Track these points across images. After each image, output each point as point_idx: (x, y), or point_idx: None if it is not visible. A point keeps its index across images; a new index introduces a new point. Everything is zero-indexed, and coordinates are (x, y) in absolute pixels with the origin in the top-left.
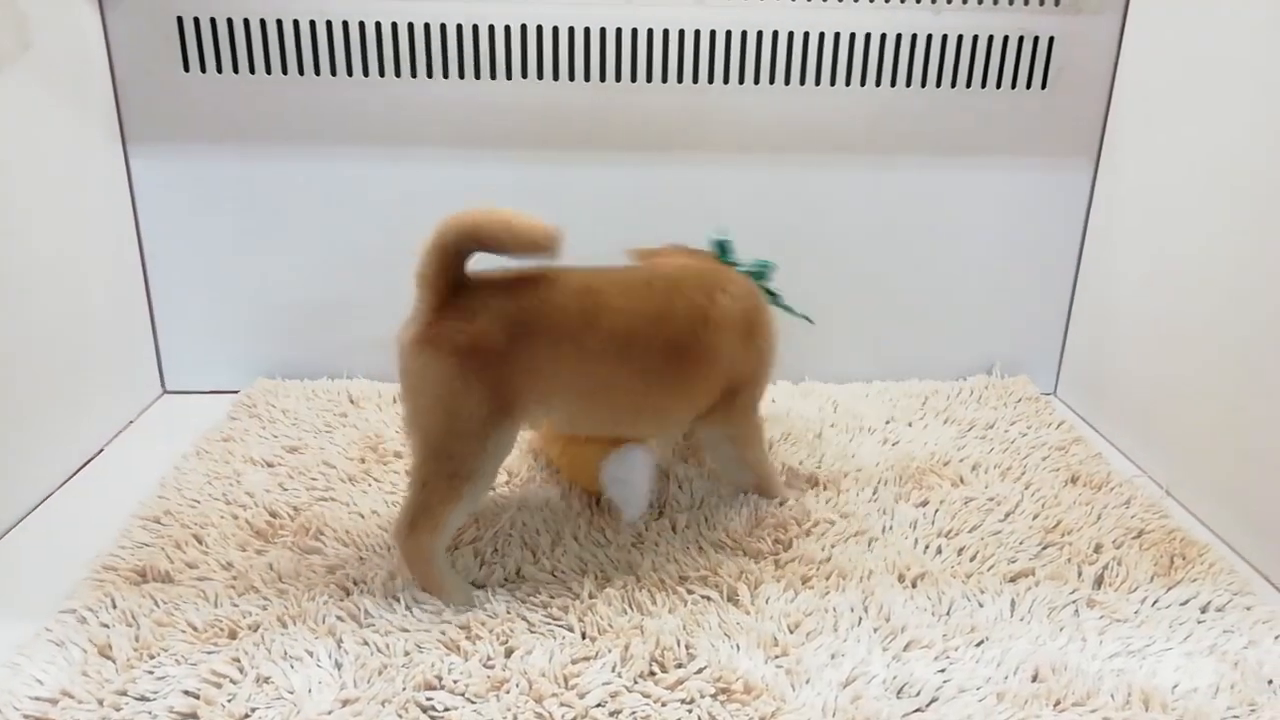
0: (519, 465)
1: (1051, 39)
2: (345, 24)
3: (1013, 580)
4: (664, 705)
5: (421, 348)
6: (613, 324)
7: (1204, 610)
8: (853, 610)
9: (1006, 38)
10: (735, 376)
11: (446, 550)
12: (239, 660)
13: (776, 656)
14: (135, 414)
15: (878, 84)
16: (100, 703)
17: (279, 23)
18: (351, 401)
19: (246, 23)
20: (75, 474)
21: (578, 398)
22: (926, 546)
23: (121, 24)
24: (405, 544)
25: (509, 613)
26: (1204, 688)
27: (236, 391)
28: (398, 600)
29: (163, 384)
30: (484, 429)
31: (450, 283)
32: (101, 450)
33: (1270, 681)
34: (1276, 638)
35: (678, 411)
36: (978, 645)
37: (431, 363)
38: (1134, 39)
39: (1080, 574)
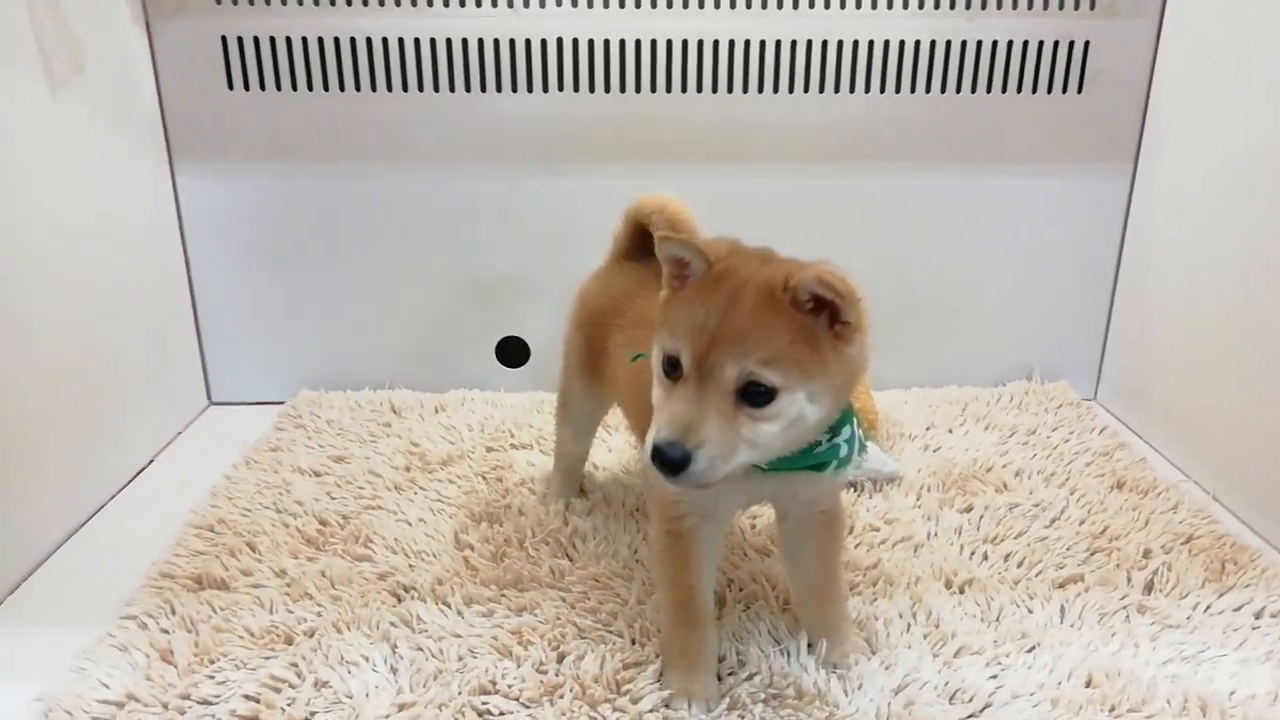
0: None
1: (1087, 43)
2: (385, 41)
3: (1061, 586)
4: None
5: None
6: (639, 313)
7: (1258, 616)
8: (901, 616)
9: (1042, 42)
10: None
11: None
12: (297, 665)
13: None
14: (183, 425)
15: (913, 90)
16: (165, 706)
17: (320, 41)
18: (394, 411)
19: (289, 41)
20: (127, 484)
21: (615, 381)
22: (973, 553)
23: (168, 45)
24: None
25: (559, 618)
26: (1262, 694)
27: (281, 403)
28: (448, 606)
29: (209, 396)
30: (577, 372)
31: (628, 247)
32: (151, 461)
33: None
34: None
35: None
36: (1029, 651)
37: (572, 306)
38: (1171, 42)
39: (1130, 580)
